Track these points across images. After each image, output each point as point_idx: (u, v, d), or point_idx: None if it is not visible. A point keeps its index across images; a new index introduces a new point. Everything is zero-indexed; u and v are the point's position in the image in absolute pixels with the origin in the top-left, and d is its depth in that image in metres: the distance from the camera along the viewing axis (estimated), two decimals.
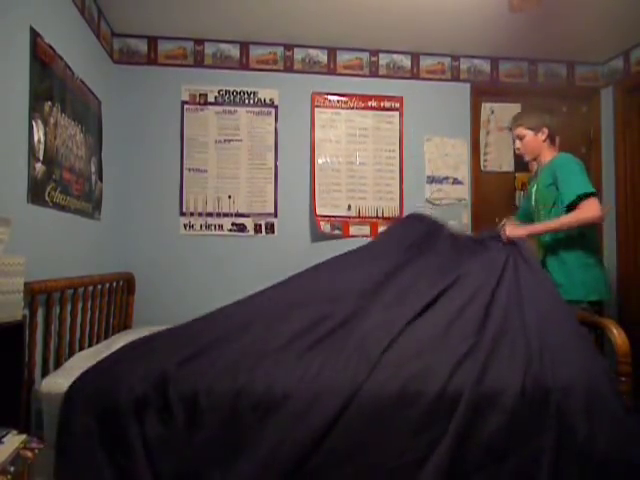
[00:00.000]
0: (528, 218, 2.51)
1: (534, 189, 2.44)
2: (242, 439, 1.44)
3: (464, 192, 3.18)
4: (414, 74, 3.17)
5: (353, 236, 3.06)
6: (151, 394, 1.47)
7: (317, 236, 3.04)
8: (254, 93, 3.04)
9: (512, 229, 2.19)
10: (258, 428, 1.44)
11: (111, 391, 1.47)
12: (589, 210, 2.08)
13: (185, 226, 2.95)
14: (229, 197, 2.99)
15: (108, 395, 1.47)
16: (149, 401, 1.46)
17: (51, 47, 1.96)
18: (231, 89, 3.02)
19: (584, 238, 2.20)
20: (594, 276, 2.20)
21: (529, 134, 2.38)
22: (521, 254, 2.03)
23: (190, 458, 1.43)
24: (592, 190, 2.10)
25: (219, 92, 3.01)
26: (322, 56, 3.09)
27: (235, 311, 1.95)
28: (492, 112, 3.24)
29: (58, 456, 1.44)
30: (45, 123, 1.89)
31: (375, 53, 3.13)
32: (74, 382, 1.53)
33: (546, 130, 2.36)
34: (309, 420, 1.43)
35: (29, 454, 1.24)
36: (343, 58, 3.11)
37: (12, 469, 1.17)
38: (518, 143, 2.44)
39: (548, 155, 2.37)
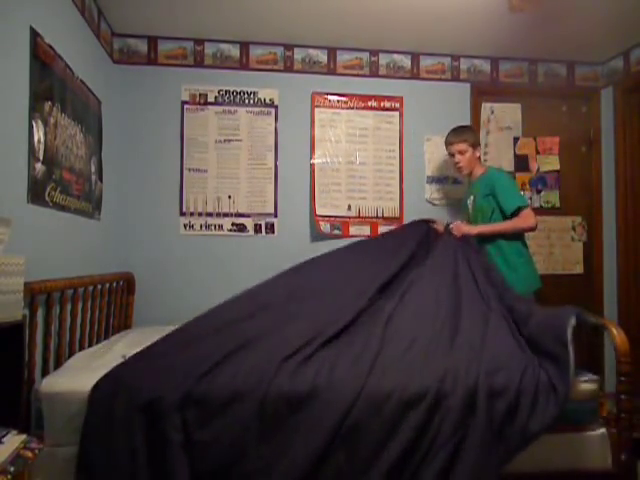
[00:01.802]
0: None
1: (469, 200, 2.66)
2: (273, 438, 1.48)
3: (464, 192, 3.18)
4: (414, 74, 3.17)
5: (353, 236, 3.06)
6: (191, 397, 1.50)
7: (317, 236, 3.04)
8: (254, 93, 3.04)
9: (461, 226, 2.43)
10: (288, 426, 1.49)
11: (155, 388, 1.50)
12: (528, 219, 2.37)
13: (185, 226, 2.95)
14: (229, 197, 2.99)
15: (152, 391, 1.49)
16: (190, 403, 1.49)
17: (51, 47, 1.96)
18: (231, 89, 3.02)
19: (520, 236, 2.47)
20: (533, 268, 2.49)
21: (470, 150, 2.60)
22: (471, 248, 2.28)
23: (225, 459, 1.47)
24: (527, 203, 2.45)
25: (219, 92, 3.01)
26: (322, 56, 3.09)
27: (242, 309, 2.05)
28: (492, 112, 3.24)
29: (87, 446, 1.46)
30: (45, 123, 1.89)
31: (375, 53, 3.13)
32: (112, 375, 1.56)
33: (480, 148, 2.67)
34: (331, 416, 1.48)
35: (29, 454, 1.24)
36: (343, 58, 3.11)
37: (12, 469, 1.17)
38: (459, 157, 2.62)
39: (479, 169, 2.63)
